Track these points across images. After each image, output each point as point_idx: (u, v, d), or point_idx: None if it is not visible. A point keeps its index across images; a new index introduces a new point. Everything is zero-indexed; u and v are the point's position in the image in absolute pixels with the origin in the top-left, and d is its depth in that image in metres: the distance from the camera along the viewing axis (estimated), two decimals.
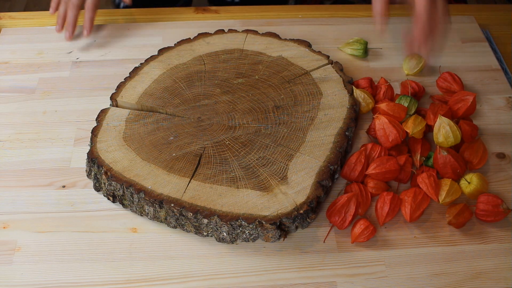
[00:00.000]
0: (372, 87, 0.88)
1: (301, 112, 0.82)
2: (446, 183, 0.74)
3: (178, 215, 0.71)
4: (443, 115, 0.78)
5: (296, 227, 0.72)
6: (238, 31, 0.97)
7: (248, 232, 0.70)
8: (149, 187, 0.72)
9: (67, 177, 0.79)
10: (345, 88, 0.86)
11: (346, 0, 2.10)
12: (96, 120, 0.82)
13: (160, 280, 0.68)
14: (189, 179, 0.74)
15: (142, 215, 0.74)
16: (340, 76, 0.88)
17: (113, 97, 0.85)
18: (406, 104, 0.82)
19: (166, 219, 0.72)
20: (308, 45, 0.94)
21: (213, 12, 1.08)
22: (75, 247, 0.71)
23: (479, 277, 0.69)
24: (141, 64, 0.91)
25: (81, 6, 1.00)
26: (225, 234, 0.70)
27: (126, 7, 1.27)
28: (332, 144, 0.78)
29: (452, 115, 0.82)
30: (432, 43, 0.76)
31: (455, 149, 0.79)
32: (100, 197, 0.77)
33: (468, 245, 0.72)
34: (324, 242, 0.72)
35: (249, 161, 0.76)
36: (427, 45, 0.76)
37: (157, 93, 0.86)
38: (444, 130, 0.77)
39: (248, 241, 0.71)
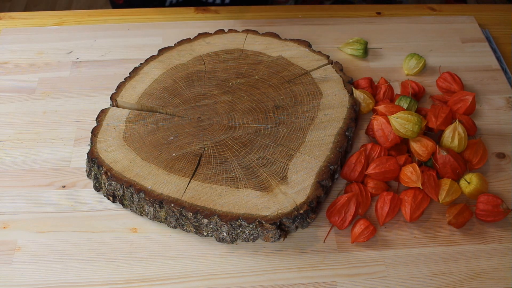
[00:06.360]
0: (372, 87, 0.88)
1: (301, 112, 0.82)
2: (446, 183, 0.74)
3: (178, 215, 0.71)
4: (445, 117, 0.78)
5: (296, 227, 0.72)
6: (238, 31, 0.97)
7: (248, 232, 0.70)
8: (149, 187, 0.72)
9: (67, 177, 0.79)
10: (345, 88, 0.86)
11: (346, 0, 2.10)
12: (96, 120, 0.82)
13: (160, 280, 0.68)
14: (189, 179, 0.74)
15: (142, 215, 0.74)
16: (340, 76, 0.88)
17: (113, 97, 0.85)
18: (406, 105, 0.82)
19: (166, 219, 0.72)
20: (308, 45, 0.94)
21: (213, 12, 1.08)
22: (75, 247, 0.71)
23: (478, 277, 0.69)
24: (141, 64, 0.91)
25: None
26: (225, 234, 0.70)
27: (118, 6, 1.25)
28: (332, 144, 0.78)
29: (452, 116, 0.82)
30: None
31: None
32: (100, 197, 0.77)
33: (468, 245, 0.72)
34: (324, 242, 0.72)
35: (249, 161, 0.76)
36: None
37: (157, 93, 0.86)
38: (459, 136, 0.77)
39: (248, 241, 0.71)
